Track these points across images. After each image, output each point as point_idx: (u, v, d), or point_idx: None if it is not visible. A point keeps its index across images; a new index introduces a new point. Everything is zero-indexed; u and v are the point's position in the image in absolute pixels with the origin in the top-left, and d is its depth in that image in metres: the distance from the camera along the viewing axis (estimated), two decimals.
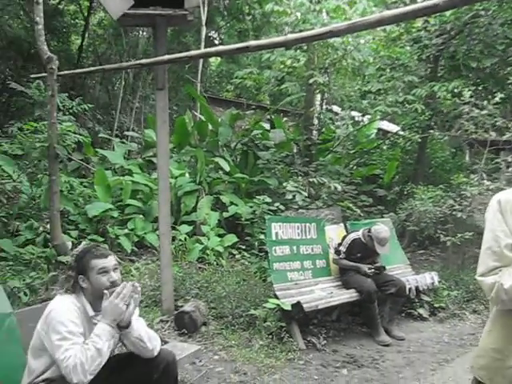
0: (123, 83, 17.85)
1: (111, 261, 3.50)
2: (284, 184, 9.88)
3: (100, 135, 14.08)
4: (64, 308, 3.37)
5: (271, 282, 6.76)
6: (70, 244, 8.01)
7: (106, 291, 3.41)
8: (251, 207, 9.73)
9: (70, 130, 9.05)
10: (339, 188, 9.84)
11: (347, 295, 6.77)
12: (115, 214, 9.27)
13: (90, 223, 9.14)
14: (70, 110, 10.95)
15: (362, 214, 9.78)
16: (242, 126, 13.99)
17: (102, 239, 8.52)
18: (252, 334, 6.31)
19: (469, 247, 9.16)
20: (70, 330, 3.27)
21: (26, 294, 6.18)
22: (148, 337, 3.57)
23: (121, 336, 3.47)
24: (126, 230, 9.10)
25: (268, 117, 14.44)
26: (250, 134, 12.26)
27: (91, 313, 3.47)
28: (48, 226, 8.20)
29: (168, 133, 6.75)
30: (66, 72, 8.23)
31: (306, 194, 9.62)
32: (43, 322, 3.38)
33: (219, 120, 12.73)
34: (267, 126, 13.55)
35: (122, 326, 3.43)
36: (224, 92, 23.75)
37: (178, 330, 6.34)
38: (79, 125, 11.31)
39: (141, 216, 9.62)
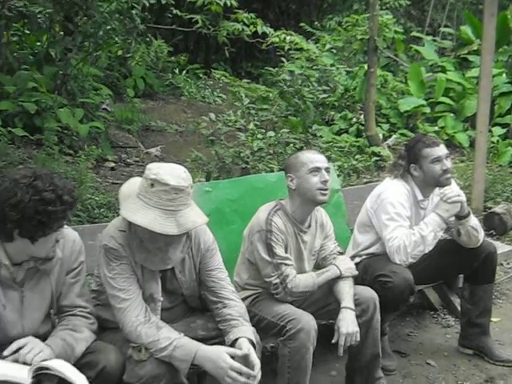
0: None
1: (443, 149, 3.54)
2: None
3: (411, 34, 13.83)
4: (395, 190, 3.55)
5: None
6: (381, 136, 8.28)
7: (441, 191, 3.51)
8: None
9: (387, 24, 9.11)
10: None
11: None
12: (427, 110, 9.25)
13: (400, 118, 9.28)
14: (387, 5, 10.96)
15: None
16: None
17: (411, 134, 8.63)
18: None
19: None
20: (398, 212, 3.46)
21: (349, 175, 6.67)
22: (480, 227, 3.64)
23: (458, 226, 3.56)
24: (436, 128, 9.01)
25: None
26: None
27: (420, 197, 3.62)
28: (362, 117, 8.54)
29: (495, 27, 6.40)
30: None
31: None
32: (373, 201, 3.61)
33: None
34: None
35: (462, 216, 3.52)
36: None
37: (486, 231, 6.23)
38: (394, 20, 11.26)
39: (451, 114, 9.42)
